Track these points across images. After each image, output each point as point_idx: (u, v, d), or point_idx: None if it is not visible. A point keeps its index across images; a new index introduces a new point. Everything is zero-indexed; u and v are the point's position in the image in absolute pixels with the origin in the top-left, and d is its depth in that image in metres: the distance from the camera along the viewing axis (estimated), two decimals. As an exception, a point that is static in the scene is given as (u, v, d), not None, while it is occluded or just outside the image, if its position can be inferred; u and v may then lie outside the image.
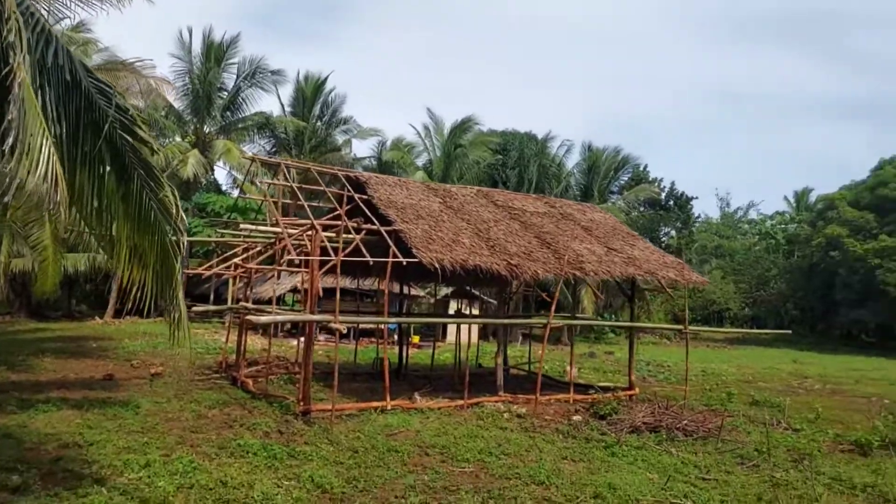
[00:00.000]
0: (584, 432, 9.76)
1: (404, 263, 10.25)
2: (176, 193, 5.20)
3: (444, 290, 28.45)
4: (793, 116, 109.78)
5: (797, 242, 52.60)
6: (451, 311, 26.98)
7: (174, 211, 5.05)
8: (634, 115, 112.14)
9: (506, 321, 13.51)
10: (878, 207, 39.99)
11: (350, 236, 10.95)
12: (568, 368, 18.12)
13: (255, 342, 19.71)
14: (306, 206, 11.81)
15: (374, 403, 10.88)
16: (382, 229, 11.10)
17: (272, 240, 12.68)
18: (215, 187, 35.88)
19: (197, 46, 32.05)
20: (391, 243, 10.72)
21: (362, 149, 55.26)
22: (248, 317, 8.57)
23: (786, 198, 70.81)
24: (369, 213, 11.60)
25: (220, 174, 37.36)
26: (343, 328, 9.10)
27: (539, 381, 11.71)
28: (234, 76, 33.15)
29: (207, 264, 14.29)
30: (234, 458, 7.61)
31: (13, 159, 3.86)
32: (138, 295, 5.31)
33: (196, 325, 26.95)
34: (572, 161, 43.41)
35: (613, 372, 19.78)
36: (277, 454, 7.83)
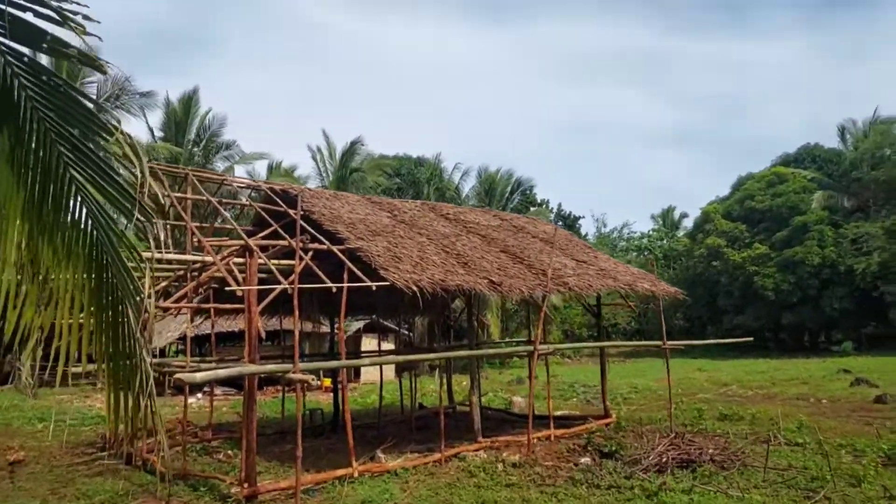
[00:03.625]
0: (604, 478, 8.09)
1: (374, 288, 8.10)
2: (141, 152, 2.88)
3: (355, 325, 26.05)
4: (633, 144, 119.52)
5: (673, 257, 55.80)
6: (365, 348, 24.66)
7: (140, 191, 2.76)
8: (501, 145, 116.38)
9: (479, 353, 11.65)
10: (747, 218, 43.07)
11: (287, 262, 8.65)
12: (515, 399, 16.64)
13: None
14: (236, 226, 9.28)
15: (339, 472, 8.51)
16: (336, 248, 8.90)
17: (177, 273, 9.95)
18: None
19: (43, 59, 27.51)
20: (350, 265, 8.55)
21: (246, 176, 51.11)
22: (179, 376, 6.04)
23: (653, 216, 75.71)
24: (313, 231, 9.32)
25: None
26: (312, 380, 6.80)
27: (531, 421, 9.91)
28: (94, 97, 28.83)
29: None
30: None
31: None
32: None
33: (58, 390, 22.31)
34: (468, 185, 42.93)
35: (555, 398, 18.55)
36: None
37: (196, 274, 9.23)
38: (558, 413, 11.96)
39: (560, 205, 54.52)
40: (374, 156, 39.48)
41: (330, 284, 7.94)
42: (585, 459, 8.99)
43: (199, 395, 21.49)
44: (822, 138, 70.16)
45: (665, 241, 62.72)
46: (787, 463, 8.42)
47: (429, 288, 8.53)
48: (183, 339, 20.55)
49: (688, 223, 68.41)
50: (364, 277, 8.31)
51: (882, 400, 14.77)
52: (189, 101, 31.85)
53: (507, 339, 39.24)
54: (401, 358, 10.30)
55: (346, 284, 8.21)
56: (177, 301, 8.87)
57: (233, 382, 22.65)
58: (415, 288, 8.38)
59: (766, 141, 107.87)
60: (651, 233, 68.36)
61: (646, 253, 62.15)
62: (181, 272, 9.50)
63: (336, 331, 15.01)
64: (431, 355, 9.08)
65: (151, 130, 31.60)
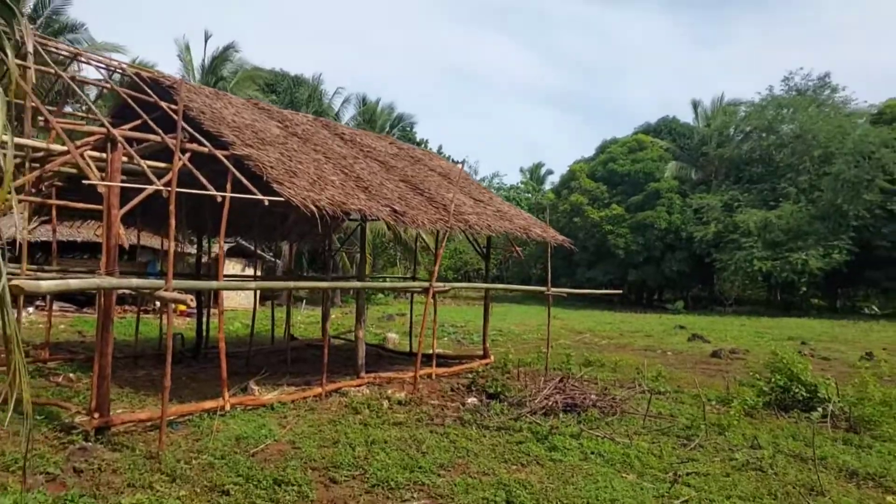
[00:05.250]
0: (492, 419, 7.99)
1: (266, 203, 7.08)
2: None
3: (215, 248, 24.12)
4: (509, 98, 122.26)
5: (538, 210, 58.20)
6: (229, 272, 22.98)
7: None
8: (379, 77, 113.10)
9: (374, 285, 10.96)
10: (608, 180, 45.70)
11: (155, 164, 7.33)
12: (389, 335, 16.31)
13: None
14: (94, 108, 7.61)
15: (207, 404, 7.59)
16: (220, 153, 7.67)
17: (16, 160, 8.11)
18: None
19: None
20: (237, 173, 7.41)
21: (95, 73, 43.81)
22: (17, 282, 4.81)
23: (521, 170, 78.32)
24: (191, 130, 7.95)
25: None
26: (189, 300, 5.78)
27: (419, 359, 9.52)
28: None
29: None
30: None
31: None
32: None
33: None
34: (348, 113, 41.00)
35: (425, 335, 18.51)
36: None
37: (37, 165, 7.55)
38: (436, 352, 11.74)
39: (441, 147, 54.08)
40: (247, 66, 36.09)
41: (215, 192, 6.80)
42: (472, 399, 8.85)
43: (31, 308, 18.92)
44: (678, 112, 75.95)
45: (531, 195, 65.10)
46: (657, 411, 8.86)
47: (329, 209, 7.66)
48: (13, 244, 17.72)
49: (553, 179, 71.70)
50: (255, 190, 7.24)
51: (717, 354, 16.37)
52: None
53: (374, 275, 38.91)
54: (288, 284, 9.37)
55: (233, 195, 7.10)
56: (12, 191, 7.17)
57: (72, 298, 20.06)
58: (313, 208, 7.48)
59: (628, 109, 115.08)
60: (519, 185, 70.64)
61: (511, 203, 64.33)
62: (17, 160, 7.71)
63: (208, 250, 13.56)
64: (323, 283, 8.28)
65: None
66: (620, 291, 21.98)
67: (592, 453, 6.81)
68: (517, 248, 12.74)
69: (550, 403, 8.28)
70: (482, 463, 6.37)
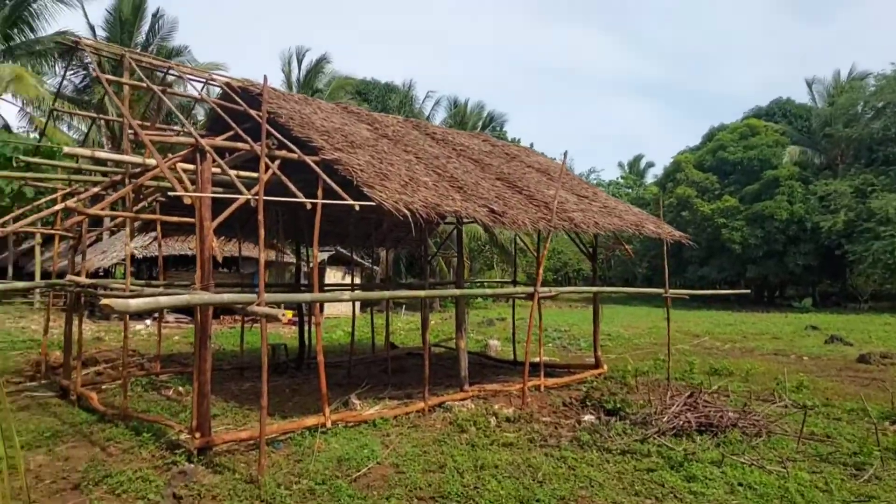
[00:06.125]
0: (615, 441, 7.07)
1: (356, 208, 6.62)
2: None
3: (320, 256, 24.52)
4: (599, 91, 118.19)
5: (640, 205, 55.43)
6: (330, 281, 23.28)
7: None
8: (468, 78, 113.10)
9: (475, 292, 10.41)
10: (718, 169, 42.59)
11: (247, 174, 7.08)
12: (490, 342, 15.63)
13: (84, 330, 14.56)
14: (183, 119, 7.54)
15: (308, 421, 7.25)
16: (309, 159, 7.33)
17: (112, 178, 8.21)
18: (3, 128, 27.75)
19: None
20: (327, 179, 7.02)
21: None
22: (106, 301, 4.55)
23: (620, 164, 75.22)
24: (280, 137, 7.68)
25: (9, 112, 29.00)
26: (281, 314, 5.40)
27: (527, 370, 8.77)
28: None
29: (2, 220, 9.28)
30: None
31: None
32: None
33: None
34: (439, 116, 40.95)
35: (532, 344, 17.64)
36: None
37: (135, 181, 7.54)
38: (543, 361, 10.90)
39: (532, 145, 52.89)
40: (339, 76, 36.89)
41: (303, 199, 6.42)
42: (589, 416, 7.96)
43: (149, 321, 19.81)
44: (788, 93, 70.04)
45: (632, 190, 62.27)
46: (809, 430, 7.56)
47: (422, 212, 7.10)
48: (132, 259, 18.76)
49: (655, 172, 68.25)
50: (345, 195, 6.81)
51: (866, 360, 14.34)
52: (140, -1, 28.56)
53: (473, 280, 38.43)
54: (384, 294, 8.95)
55: (323, 201, 6.71)
56: (109, 208, 7.19)
57: (186, 309, 21.05)
58: (406, 211, 6.94)
59: (731, 94, 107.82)
60: (619, 180, 67.79)
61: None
62: (118, 177, 7.78)
63: (308, 260, 13.51)
64: (421, 292, 7.76)
65: (92, 28, 28.29)
66: (748, 291, 19.86)
67: (740, 485, 5.77)
68: (626, 247, 11.65)
69: (681, 423, 7.24)
70: (609, 495, 5.52)
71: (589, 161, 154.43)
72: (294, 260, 17.99)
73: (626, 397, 8.53)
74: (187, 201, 6.12)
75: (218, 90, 9.75)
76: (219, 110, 7.91)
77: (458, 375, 9.48)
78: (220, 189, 7.26)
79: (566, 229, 9.25)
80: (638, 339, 20.03)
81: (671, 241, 11.12)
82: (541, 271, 8.71)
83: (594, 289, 11.12)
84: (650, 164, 73.37)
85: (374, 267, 23.41)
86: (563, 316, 30.17)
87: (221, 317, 21.15)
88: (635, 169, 73.99)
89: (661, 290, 10.73)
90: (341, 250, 23.19)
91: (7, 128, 27.77)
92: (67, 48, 26.07)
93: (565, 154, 9.28)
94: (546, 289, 9.04)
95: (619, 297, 45.07)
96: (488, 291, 10.97)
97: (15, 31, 25.85)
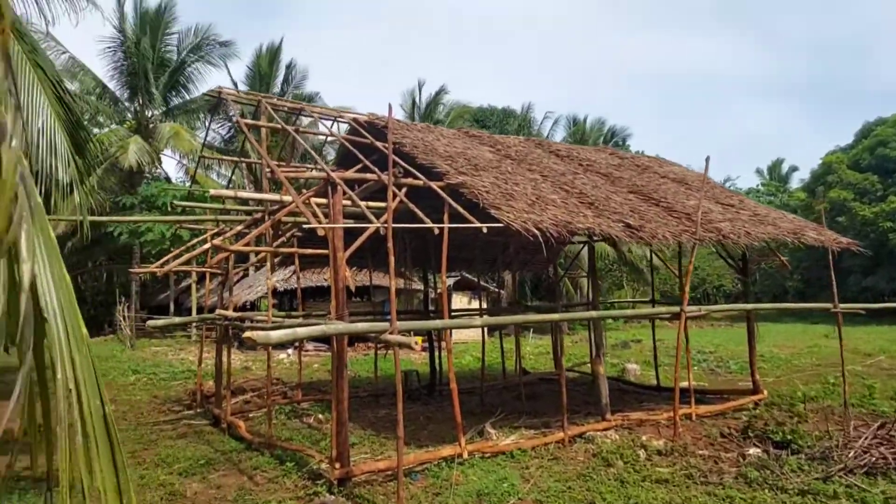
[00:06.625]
0: (790, 479, 6.16)
1: (484, 230, 6.42)
2: None
3: (448, 282, 24.76)
4: (728, 97, 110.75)
5: (790, 212, 50.72)
6: (456, 306, 23.31)
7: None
8: (591, 96, 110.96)
9: (624, 313, 9.88)
10: (879, 168, 37.97)
11: (375, 204, 7.12)
12: (628, 366, 14.71)
13: (233, 360, 15.63)
14: (315, 155, 7.82)
15: (444, 451, 7.06)
16: (434, 184, 7.27)
17: (254, 215, 8.70)
18: (165, 179, 31.10)
19: (129, 14, 27.27)
20: (452, 202, 6.90)
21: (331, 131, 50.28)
22: (249, 334, 4.64)
23: (758, 170, 69.54)
24: (405, 165, 7.71)
25: (170, 165, 32.64)
26: (413, 343, 5.30)
27: (677, 398, 8.01)
28: (175, 49, 28.46)
29: (162, 260, 10.16)
30: None
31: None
32: None
33: (156, 342, 22.52)
34: (558, 135, 40.33)
35: (669, 365, 16.41)
36: None
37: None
38: (693, 386, 9.94)
39: (658, 156, 50.42)
40: (458, 105, 37.64)
41: (430, 225, 6.33)
42: (754, 450, 7.06)
43: (291, 350, 20.85)
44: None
45: (776, 197, 57.21)
46: None
47: (553, 231, 6.75)
48: (274, 292, 19.95)
49: (799, 176, 62.33)
50: (470, 217, 6.65)
51: None
52: (274, 52, 31.00)
53: (604, 300, 36.96)
54: (515, 318, 8.70)
55: (450, 225, 6.58)
56: (250, 244, 7.57)
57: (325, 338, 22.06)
58: (535, 231, 6.63)
59: (882, 87, 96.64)
60: (758, 187, 62.64)
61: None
62: (258, 214, 8.21)
63: (435, 286, 13.61)
64: (554, 316, 7.38)
65: (235, 84, 31.05)
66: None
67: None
68: (783, 258, 10.45)
69: (874, 459, 6.18)
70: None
71: (722, 170, 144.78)
72: (421, 287, 18.26)
73: (796, 427, 7.49)
74: (321, 233, 6.26)
75: (346, 127, 10.13)
76: (347, 145, 8.14)
77: (596, 402, 8.89)
78: (352, 220, 7.41)
79: (713, 241, 8.44)
80: (796, 359, 18.00)
81: (837, 249, 9.81)
82: (687, 288, 7.96)
83: (749, 306, 10.03)
84: (794, 168, 67.18)
85: (500, 290, 23.14)
86: (707, 336, 28.06)
87: (356, 344, 21.85)
88: (776, 174, 68.08)
89: (828, 305, 9.45)
90: (466, 276, 23.24)
91: (168, 179, 31.11)
92: (213, 101, 28.91)
93: (707, 160, 8.49)
94: (695, 308, 8.25)
95: (767, 313, 41.18)
96: (628, 313, 10.27)
97: (173, 93, 29.01)
